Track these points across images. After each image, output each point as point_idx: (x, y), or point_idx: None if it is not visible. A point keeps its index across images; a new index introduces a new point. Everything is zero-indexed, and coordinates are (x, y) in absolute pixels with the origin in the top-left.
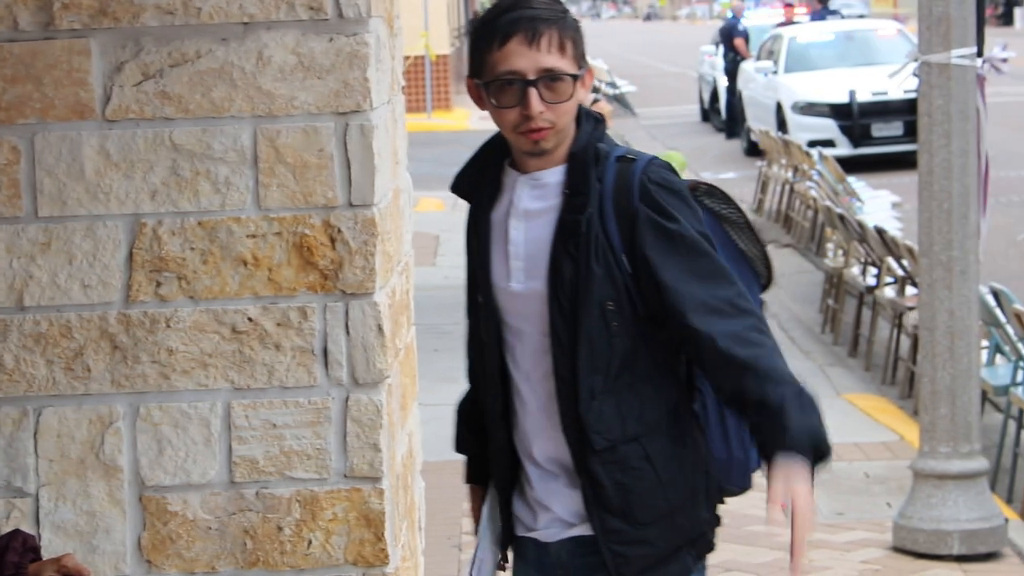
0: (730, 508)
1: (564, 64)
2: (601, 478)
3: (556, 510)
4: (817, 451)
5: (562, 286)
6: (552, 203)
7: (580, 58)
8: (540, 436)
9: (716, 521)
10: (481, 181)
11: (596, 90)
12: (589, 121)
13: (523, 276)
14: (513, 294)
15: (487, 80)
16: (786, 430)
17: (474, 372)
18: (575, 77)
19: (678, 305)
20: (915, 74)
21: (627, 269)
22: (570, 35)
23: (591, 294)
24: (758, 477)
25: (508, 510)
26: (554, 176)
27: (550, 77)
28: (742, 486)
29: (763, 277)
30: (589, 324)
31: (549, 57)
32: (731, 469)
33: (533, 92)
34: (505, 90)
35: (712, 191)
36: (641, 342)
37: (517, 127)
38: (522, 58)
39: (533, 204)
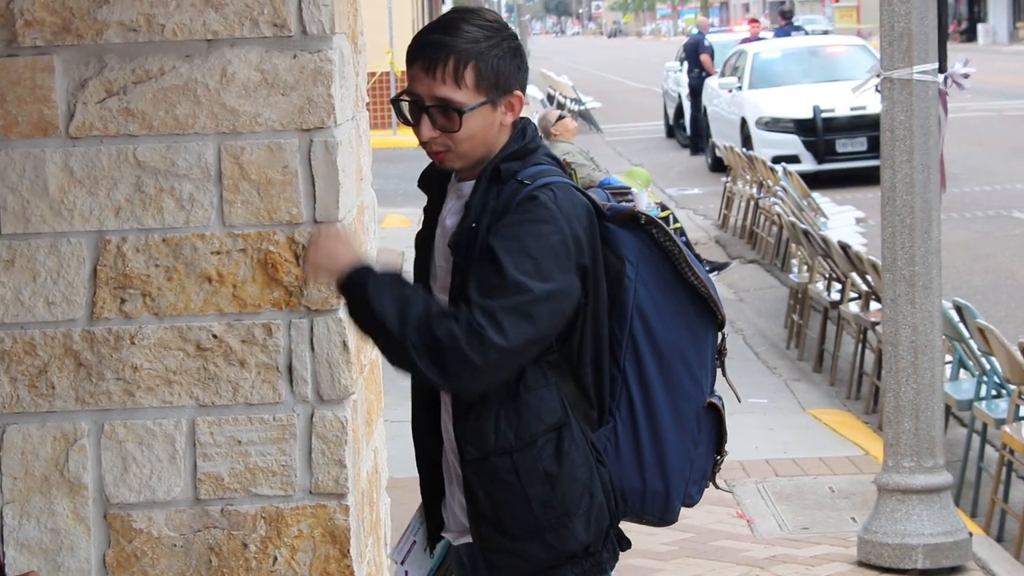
0: (695, 523)
1: (459, 95)
2: (474, 487)
3: (457, 512)
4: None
5: (454, 298)
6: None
7: (490, 87)
8: (446, 442)
9: (604, 543)
10: (435, 182)
11: (561, 106)
12: (516, 137)
13: (440, 283)
14: (437, 298)
15: (398, 94)
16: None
17: None
18: (470, 108)
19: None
20: (877, 89)
21: None
22: (474, 64)
23: None
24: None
25: (437, 507)
26: (469, 188)
27: (441, 107)
28: (660, 517)
29: (719, 313)
30: None
31: (443, 87)
32: (645, 499)
33: (424, 119)
34: (409, 109)
35: (654, 222)
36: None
37: (422, 144)
38: (420, 83)
39: (452, 216)
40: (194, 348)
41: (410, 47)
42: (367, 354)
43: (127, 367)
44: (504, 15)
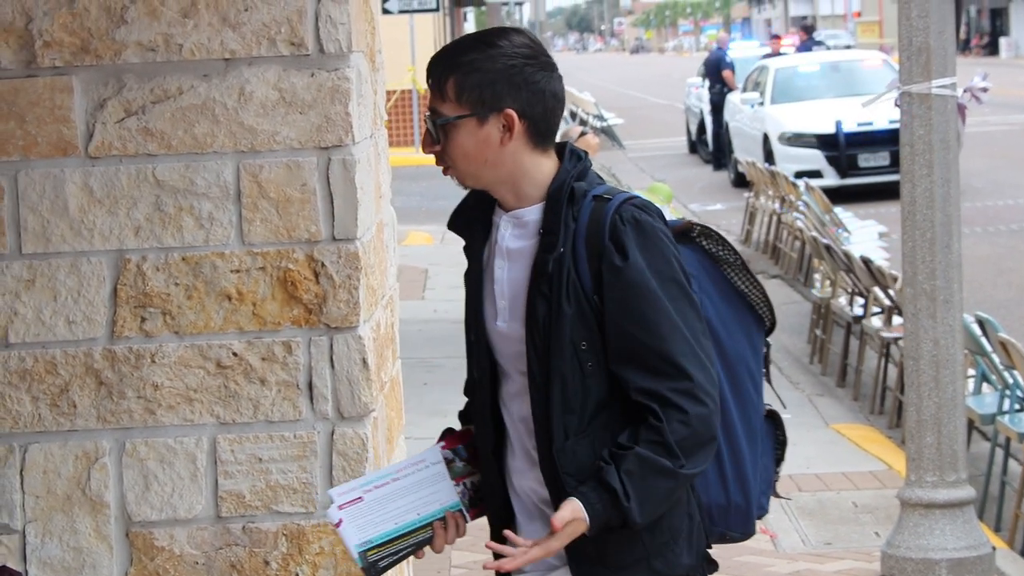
0: None
1: (443, 107)
2: None
3: None
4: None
5: (536, 326)
6: (531, 242)
7: (474, 101)
8: (524, 476)
9: (703, 566)
10: (474, 218)
11: (583, 123)
12: (571, 159)
13: (507, 315)
14: (500, 334)
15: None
16: (600, 503)
17: (468, 410)
18: (445, 120)
19: (608, 344)
20: (897, 104)
21: (598, 309)
22: (455, 77)
23: (563, 334)
24: None
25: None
26: (533, 215)
27: (431, 118)
28: (743, 531)
29: (767, 319)
30: (561, 364)
31: (434, 99)
32: (729, 514)
33: (426, 132)
34: None
35: (708, 232)
36: (618, 383)
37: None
38: (429, 100)
39: (514, 243)
40: (214, 366)
41: None
42: (387, 371)
43: (148, 385)
44: None
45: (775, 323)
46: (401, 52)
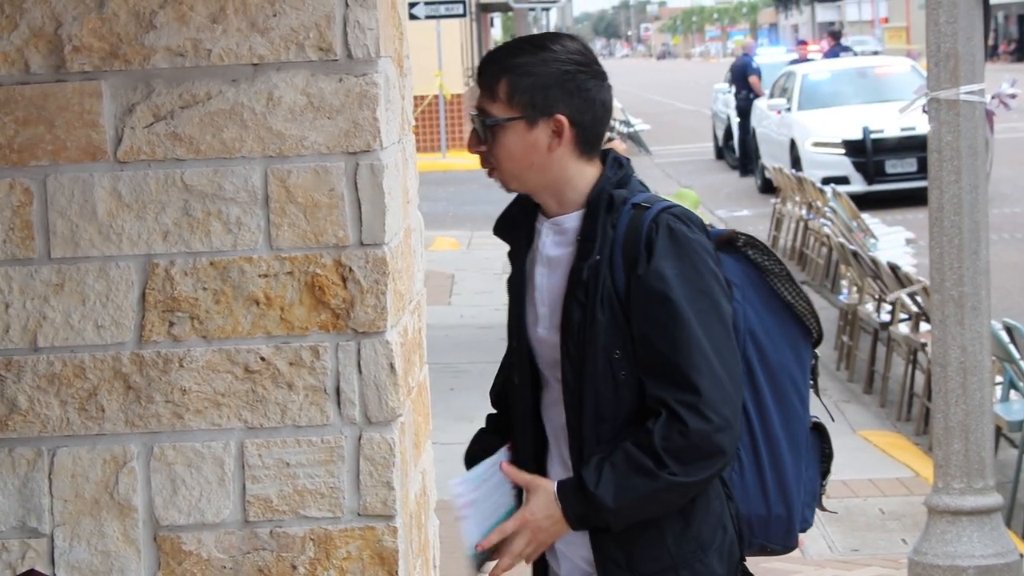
0: None
1: (493, 107)
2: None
3: (573, 558)
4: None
5: (571, 334)
6: (570, 250)
7: (525, 105)
8: None
9: None
10: (518, 224)
11: (610, 128)
12: (612, 166)
13: (547, 323)
14: (541, 340)
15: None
16: (575, 499)
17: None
18: (495, 121)
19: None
20: (924, 110)
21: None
22: (508, 78)
23: (597, 342)
24: None
25: (540, 556)
26: (572, 222)
27: (479, 118)
28: (785, 544)
29: (814, 330)
30: (595, 372)
31: (483, 99)
32: (770, 526)
33: (472, 131)
34: None
35: (753, 242)
36: None
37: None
38: (477, 99)
39: (554, 250)
40: (242, 371)
41: None
42: (415, 376)
43: (176, 390)
44: None
45: (822, 335)
46: (428, 57)
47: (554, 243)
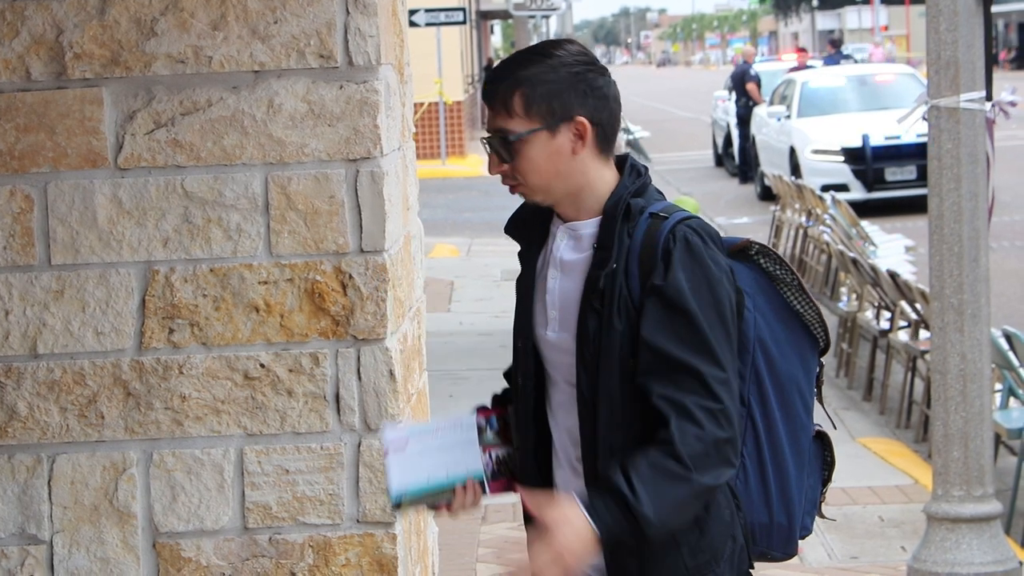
0: None
1: (511, 124)
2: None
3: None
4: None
5: (587, 341)
6: (584, 255)
7: (544, 114)
8: (569, 487)
9: None
10: (531, 225)
11: None
12: (631, 174)
13: (557, 326)
14: (548, 342)
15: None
16: (605, 510)
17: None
18: (517, 136)
19: (639, 355)
20: (924, 118)
21: None
22: (522, 91)
23: (613, 350)
24: None
25: None
26: (589, 228)
27: (498, 138)
28: (785, 551)
29: (821, 340)
30: (610, 380)
31: (498, 118)
32: (771, 533)
33: (491, 153)
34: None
35: (765, 251)
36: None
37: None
38: (487, 120)
39: (569, 255)
40: (242, 377)
41: None
42: (414, 383)
43: (175, 396)
44: None
45: (829, 344)
46: (428, 65)
47: (568, 248)
